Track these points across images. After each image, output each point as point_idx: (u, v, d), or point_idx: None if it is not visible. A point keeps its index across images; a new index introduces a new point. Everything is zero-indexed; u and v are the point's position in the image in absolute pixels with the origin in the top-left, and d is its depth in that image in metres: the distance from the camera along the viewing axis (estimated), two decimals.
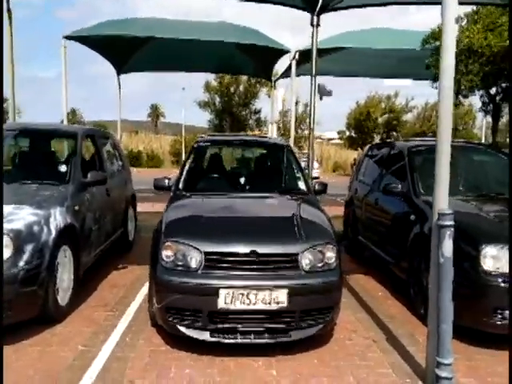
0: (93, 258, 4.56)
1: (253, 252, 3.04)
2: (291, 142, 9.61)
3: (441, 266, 2.66)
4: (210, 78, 27.97)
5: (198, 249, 3.06)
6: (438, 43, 9.67)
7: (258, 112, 28.28)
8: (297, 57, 9.30)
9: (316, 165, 24.34)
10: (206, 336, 3.04)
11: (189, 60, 12.59)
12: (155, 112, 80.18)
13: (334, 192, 9.13)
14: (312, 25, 7.33)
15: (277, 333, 3.08)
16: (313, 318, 3.14)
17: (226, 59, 12.43)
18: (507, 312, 3.21)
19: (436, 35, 9.38)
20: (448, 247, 2.64)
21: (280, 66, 12.04)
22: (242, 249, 3.06)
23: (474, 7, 9.60)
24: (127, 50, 11.58)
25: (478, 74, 7.95)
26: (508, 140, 10.11)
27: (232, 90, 28.56)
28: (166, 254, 3.11)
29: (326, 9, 7.23)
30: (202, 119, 32.52)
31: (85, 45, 10.08)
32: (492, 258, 3.30)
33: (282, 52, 9.93)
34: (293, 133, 9.30)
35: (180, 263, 3.07)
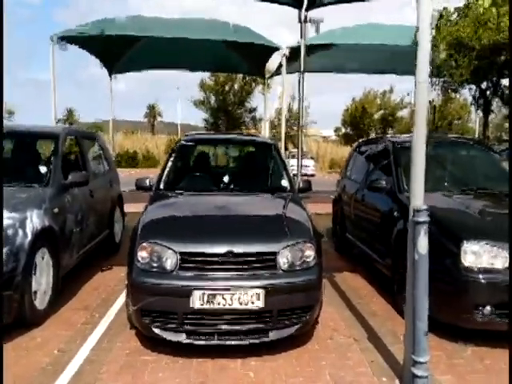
0: (75, 260, 4.51)
1: (228, 252, 3.00)
2: (282, 139, 9.61)
3: (416, 263, 2.62)
4: (205, 76, 27.93)
5: (173, 249, 3.02)
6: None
7: (253, 110, 28.23)
8: (287, 53, 9.25)
9: (312, 162, 24.33)
10: (181, 338, 3.00)
11: (180, 58, 12.53)
12: (153, 112, 79.99)
13: (328, 189, 9.09)
14: (300, 21, 7.32)
15: (254, 333, 3.04)
16: (291, 317, 3.10)
17: (219, 57, 12.37)
18: (488, 308, 3.19)
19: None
20: (423, 244, 2.59)
21: (275, 63, 12.00)
22: (218, 249, 3.02)
23: (465, 1, 9.56)
24: (118, 49, 11.53)
25: (468, 68, 7.89)
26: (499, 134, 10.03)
27: (227, 88, 28.49)
28: (142, 255, 3.07)
29: (313, 5, 7.23)
30: (199, 118, 32.61)
31: (74, 44, 10.02)
32: (473, 254, 3.26)
33: (273, 49, 9.87)
34: (283, 130, 9.25)
35: (155, 264, 3.03)
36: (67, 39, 9.10)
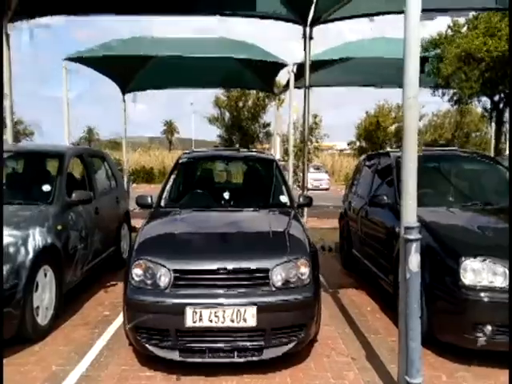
0: (79, 277, 4.58)
1: (221, 269, 3.01)
2: (290, 154, 9.62)
3: (408, 282, 2.58)
4: (219, 93, 28.26)
5: (166, 267, 3.04)
6: (438, 51, 9.62)
7: (267, 125, 28.32)
8: (294, 70, 9.31)
9: (326, 176, 24.19)
10: (175, 355, 3.00)
11: (191, 76, 12.74)
12: (170, 128, 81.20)
13: (340, 204, 9.03)
14: (304, 37, 7.38)
15: (247, 351, 3.02)
16: (285, 335, 3.07)
17: (228, 74, 12.56)
18: (489, 327, 3.09)
19: (437, 42, 9.33)
20: (414, 262, 2.56)
21: (285, 79, 12.10)
22: (211, 266, 3.03)
23: (474, 12, 9.52)
24: (130, 69, 11.80)
25: (478, 81, 7.82)
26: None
27: (241, 104, 28.74)
28: (136, 272, 3.10)
29: (318, 21, 7.28)
30: (214, 134, 33.23)
31: (86, 66, 10.32)
32: (472, 272, 3.19)
33: (280, 65, 9.97)
34: (291, 145, 9.27)
35: (149, 282, 3.06)
36: (77, 61, 9.35)
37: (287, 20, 7.29)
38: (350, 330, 4.01)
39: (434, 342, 3.46)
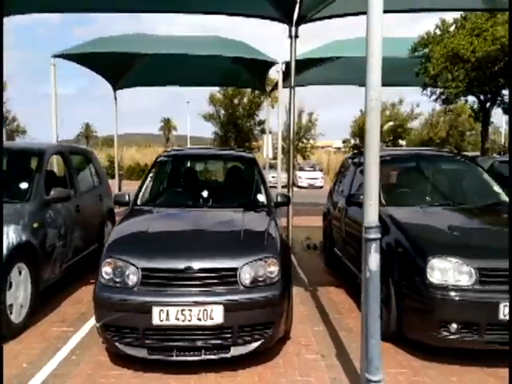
0: (58, 275, 4.60)
1: (188, 268, 3.04)
2: (279, 153, 9.64)
3: (368, 281, 2.61)
4: (214, 90, 28.25)
5: (135, 265, 3.07)
6: (426, 50, 9.64)
7: (262, 123, 28.34)
8: (283, 68, 9.33)
9: (320, 174, 24.26)
10: (143, 353, 3.03)
11: (183, 74, 12.77)
12: (167, 125, 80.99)
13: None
14: (290, 36, 7.37)
15: (215, 349, 3.05)
16: (252, 333, 3.10)
17: (220, 72, 12.58)
18: (454, 325, 3.13)
19: (425, 41, 9.34)
20: (374, 261, 2.59)
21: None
22: (178, 264, 3.06)
23: (463, 13, 9.54)
24: (122, 66, 11.78)
25: (464, 80, 7.85)
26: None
27: (236, 101, 28.76)
28: (106, 270, 3.13)
29: (303, 20, 7.27)
30: (210, 131, 33.25)
31: (77, 63, 10.30)
32: (439, 271, 3.22)
33: (270, 64, 9.99)
34: (280, 144, 9.28)
35: (118, 280, 3.08)
36: (66, 58, 9.32)
37: (273, 19, 7.28)
38: (325, 327, 4.05)
39: (405, 340, 3.51)
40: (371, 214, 2.66)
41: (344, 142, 32.67)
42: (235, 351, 3.07)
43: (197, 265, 3.06)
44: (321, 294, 5.06)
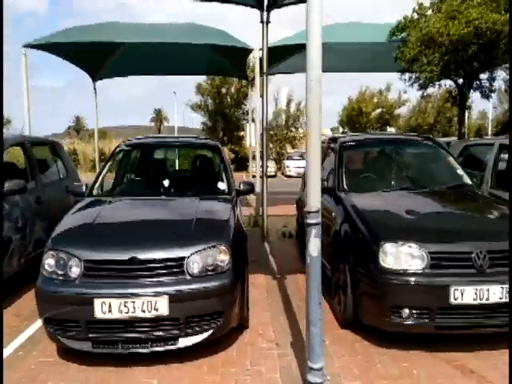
0: (16, 268, 4.50)
1: (133, 258, 2.95)
2: (257, 142, 9.53)
3: (308, 267, 2.55)
4: (201, 80, 27.94)
5: (77, 257, 2.98)
6: (404, 34, 9.50)
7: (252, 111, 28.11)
8: (259, 55, 9.16)
9: (303, 163, 24.13)
10: (87, 347, 2.95)
11: (163, 63, 12.52)
12: (159, 116, 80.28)
13: None
14: (262, 22, 7.23)
15: (162, 341, 2.98)
16: (201, 324, 3.03)
17: (201, 60, 12.36)
18: (406, 310, 3.08)
19: (403, 26, 9.20)
20: (314, 246, 2.52)
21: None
22: (122, 255, 2.97)
23: None
24: (99, 56, 11.52)
25: (439, 64, 7.75)
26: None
27: (224, 90, 28.47)
28: (48, 263, 3.04)
29: (275, 5, 7.14)
30: (198, 121, 33.04)
31: (50, 53, 10.06)
32: (391, 256, 3.16)
33: (247, 51, 9.82)
34: (257, 131, 9.16)
35: (60, 272, 2.99)
36: (39, 47, 9.09)
37: (245, 4, 7.14)
38: (285, 316, 3.98)
39: (364, 326, 3.46)
40: (312, 198, 2.58)
41: (332, 129, 32.58)
42: (184, 342, 3.00)
43: (142, 255, 2.97)
44: (288, 282, 5.00)
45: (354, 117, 28.04)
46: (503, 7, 7.27)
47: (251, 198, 10.27)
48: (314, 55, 2.58)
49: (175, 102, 52.89)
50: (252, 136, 14.10)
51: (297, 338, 3.50)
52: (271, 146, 29.93)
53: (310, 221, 2.52)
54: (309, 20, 2.58)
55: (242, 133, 28.23)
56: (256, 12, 7.16)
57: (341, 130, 30.41)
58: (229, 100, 28.67)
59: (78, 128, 71.96)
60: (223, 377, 2.92)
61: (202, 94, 29.06)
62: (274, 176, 24.63)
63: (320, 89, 2.61)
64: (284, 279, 5.07)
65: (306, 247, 2.65)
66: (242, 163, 26.33)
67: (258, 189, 7.66)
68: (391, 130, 30.19)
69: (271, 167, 23.26)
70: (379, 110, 27.52)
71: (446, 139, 14.47)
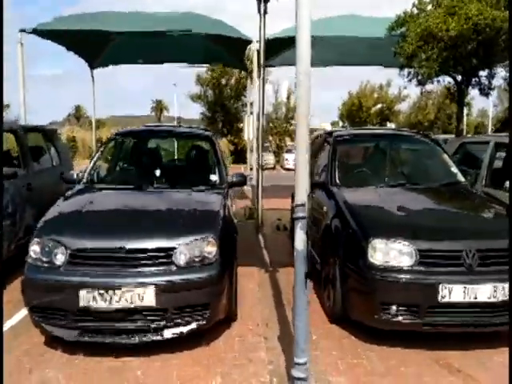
0: (7, 254, 4.48)
1: (120, 248, 2.93)
2: (254, 135, 9.47)
3: (295, 260, 2.52)
4: (201, 70, 27.75)
5: (64, 245, 2.95)
6: (403, 29, 9.42)
7: (250, 104, 27.95)
8: (258, 47, 9.06)
9: None
10: (72, 335, 2.94)
11: (161, 52, 12.39)
12: (159, 106, 79.81)
13: None
14: (259, 12, 7.13)
15: (148, 331, 2.96)
16: (188, 315, 3.01)
17: (200, 50, 12.26)
18: (394, 307, 3.06)
19: (402, 21, 9.12)
20: (300, 240, 2.49)
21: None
22: (110, 244, 2.95)
23: None
24: (97, 44, 11.40)
25: (437, 60, 7.68)
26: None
27: (224, 81, 28.30)
28: (34, 249, 3.01)
29: None
30: (198, 112, 32.96)
31: (46, 39, 9.93)
32: (380, 252, 3.14)
33: (246, 42, 9.73)
34: (254, 124, 9.11)
35: (45, 259, 2.97)
36: (35, 33, 8.96)
37: None
38: (275, 310, 3.97)
39: (353, 322, 3.45)
40: (300, 192, 2.54)
41: (333, 124, 32.50)
42: (169, 333, 2.98)
43: (129, 245, 2.94)
44: (280, 274, 4.98)
45: (354, 111, 27.96)
46: (503, 4, 7.19)
47: (248, 190, 10.28)
48: (303, 49, 2.53)
49: (175, 93, 52.51)
50: (250, 129, 14.04)
51: (286, 331, 3.48)
52: (271, 138, 29.85)
53: (296, 214, 2.49)
54: (298, 14, 2.53)
55: (241, 124, 28.09)
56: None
57: (341, 124, 30.35)
58: (229, 91, 28.52)
59: (78, 115, 71.58)
60: (208, 369, 2.91)
61: (201, 84, 28.90)
62: (272, 168, 24.59)
63: (309, 82, 2.56)
64: (276, 272, 5.05)
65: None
66: (241, 155, 26.24)
67: (254, 181, 7.65)
68: (391, 125, 30.13)
69: (270, 160, 23.21)
70: (379, 106, 27.43)
71: (444, 136, 14.43)
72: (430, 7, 8.86)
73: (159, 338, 2.97)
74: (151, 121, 64.69)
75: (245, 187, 10.25)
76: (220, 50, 11.69)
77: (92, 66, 12.49)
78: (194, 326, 3.04)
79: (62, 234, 3.01)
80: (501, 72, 9.14)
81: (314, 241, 4.48)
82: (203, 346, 3.21)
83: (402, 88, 28.36)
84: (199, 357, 3.07)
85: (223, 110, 29.07)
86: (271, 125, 28.71)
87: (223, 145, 29.05)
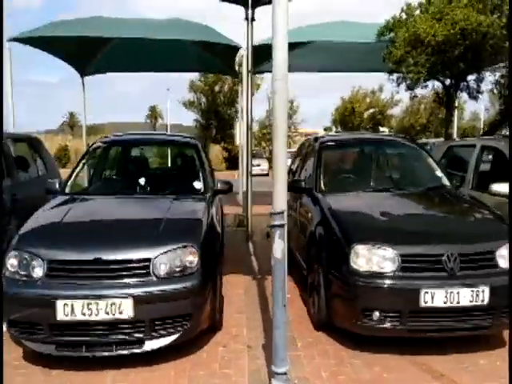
0: None
1: (96, 259, 2.88)
2: (244, 142, 9.44)
3: (273, 269, 2.49)
4: (194, 77, 27.83)
5: (40, 257, 2.91)
6: (392, 34, 9.47)
7: (242, 111, 28.00)
8: (245, 54, 9.08)
9: None
10: (51, 350, 2.88)
11: (151, 59, 12.38)
12: (154, 113, 79.75)
13: None
14: (247, 19, 7.16)
15: (127, 344, 2.91)
16: (168, 326, 2.96)
17: (188, 57, 12.22)
18: (377, 313, 3.04)
19: (391, 26, 9.16)
20: (278, 248, 2.48)
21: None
22: (86, 256, 2.90)
23: None
24: (86, 51, 11.37)
25: (425, 65, 7.72)
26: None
27: (217, 88, 28.37)
28: (11, 263, 2.96)
29: (259, 2, 7.07)
30: (191, 119, 32.86)
31: (36, 47, 9.88)
32: (363, 258, 3.12)
33: (235, 48, 9.73)
34: (244, 130, 9.07)
35: (23, 273, 2.92)
36: (25, 42, 8.92)
37: (230, 1, 7.07)
38: (261, 318, 3.93)
39: (338, 329, 3.41)
40: (278, 199, 2.52)
41: (325, 129, 32.61)
42: (150, 345, 2.94)
43: (107, 256, 2.90)
44: (268, 282, 4.92)
45: (346, 117, 28.07)
46: (489, 9, 7.25)
47: (239, 197, 10.23)
48: (279, 54, 2.53)
49: (168, 100, 52.50)
50: (243, 136, 14.01)
51: (270, 340, 3.42)
52: (264, 145, 29.85)
53: (274, 222, 2.47)
54: (274, 19, 2.52)
55: (234, 131, 28.12)
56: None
57: (334, 129, 30.47)
58: (222, 98, 28.58)
59: (71, 124, 71.41)
60: (191, 380, 2.87)
61: (194, 91, 28.95)
62: (266, 175, 24.54)
63: (286, 87, 2.55)
64: (264, 280, 5.01)
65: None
66: (235, 161, 26.23)
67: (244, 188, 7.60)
68: (384, 129, 30.25)
69: (264, 166, 23.17)
70: (372, 110, 27.57)
71: (433, 140, 14.48)
72: (417, 12, 8.92)
73: (139, 350, 2.92)
74: (148, 128, 64.63)
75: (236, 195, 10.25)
76: (211, 57, 11.68)
77: (82, 74, 12.46)
78: (175, 337, 2.99)
79: (39, 247, 2.96)
80: (489, 76, 9.21)
81: (301, 247, 4.47)
82: (186, 356, 3.17)
83: (395, 93, 28.63)
84: (182, 367, 3.03)
85: (217, 116, 29.11)
86: (264, 131, 28.74)
87: (216, 151, 29.07)
